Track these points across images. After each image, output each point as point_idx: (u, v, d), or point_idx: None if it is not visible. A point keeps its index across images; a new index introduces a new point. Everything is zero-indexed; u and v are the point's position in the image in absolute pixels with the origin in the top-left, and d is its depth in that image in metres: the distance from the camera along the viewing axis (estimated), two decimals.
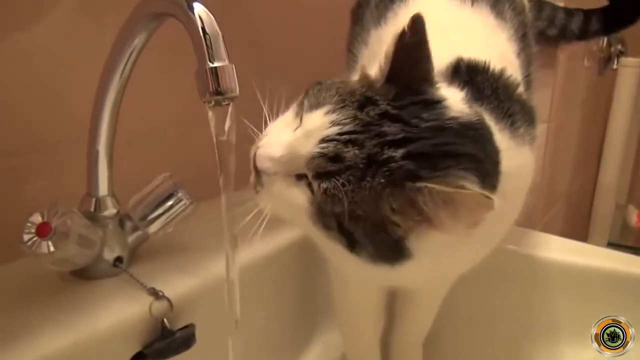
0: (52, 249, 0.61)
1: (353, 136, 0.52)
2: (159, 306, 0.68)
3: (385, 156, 0.51)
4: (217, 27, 0.56)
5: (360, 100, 0.55)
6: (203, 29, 0.55)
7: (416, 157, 0.51)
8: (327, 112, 0.55)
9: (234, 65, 0.56)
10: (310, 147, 0.54)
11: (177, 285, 0.72)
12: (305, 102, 0.58)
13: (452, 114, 0.54)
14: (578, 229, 2.07)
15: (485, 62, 0.64)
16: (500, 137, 0.58)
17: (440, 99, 0.55)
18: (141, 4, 0.62)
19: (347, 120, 0.53)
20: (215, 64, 0.55)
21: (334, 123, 0.53)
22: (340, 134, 0.53)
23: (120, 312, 0.66)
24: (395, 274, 0.58)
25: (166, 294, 0.68)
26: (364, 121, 0.53)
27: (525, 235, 0.95)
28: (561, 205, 1.70)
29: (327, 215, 0.53)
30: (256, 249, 0.83)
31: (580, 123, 1.74)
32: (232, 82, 0.56)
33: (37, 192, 0.77)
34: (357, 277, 0.76)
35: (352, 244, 0.54)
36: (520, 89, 0.69)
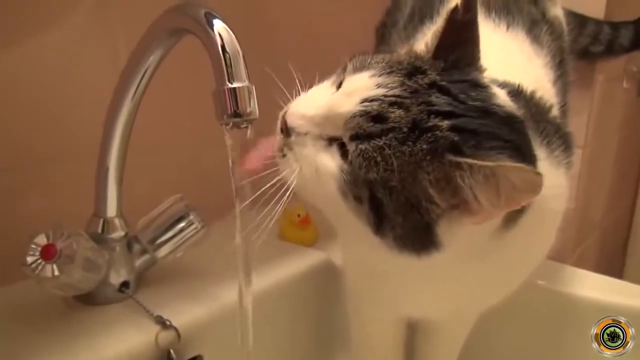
0: (56, 272, 0.62)
1: (399, 99, 0.52)
2: (166, 336, 0.68)
3: (430, 124, 0.51)
4: (237, 46, 0.56)
5: (409, 68, 0.55)
6: (223, 47, 0.56)
7: (462, 131, 0.50)
8: (373, 75, 0.54)
9: (254, 86, 0.56)
10: (351, 105, 0.53)
11: (186, 313, 0.72)
12: (349, 66, 0.57)
13: (498, 101, 0.54)
14: (613, 264, 2.03)
15: (518, 84, 0.64)
16: (537, 153, 0.58)
17: (487, 84, 0.56)
18: (159, 19, 0.63)
19: (394, 85, 0.53)
20: (235, 85, 0.55)
21: (379, 86, 0.53)
22: (385, 95, 0.52)
23: (125, 341, 0.66)
24: (417, 299, 0.57)
25: (174, 322, 0.69)
26: (411, 87, 0.53)
27: (556, 269, 0.94)
28: (595, 237, 1.68)
29: (359, 183, 0.52)
30: (270, 276, 0.84)
31: (616, 149, 1.72)
32: (251, 103, 0.56)
33: (38, 209, 0.78)
34: (376, 297, 0.75)
35: (379, 222, 0.52)
36: (554, 111, 0.69)
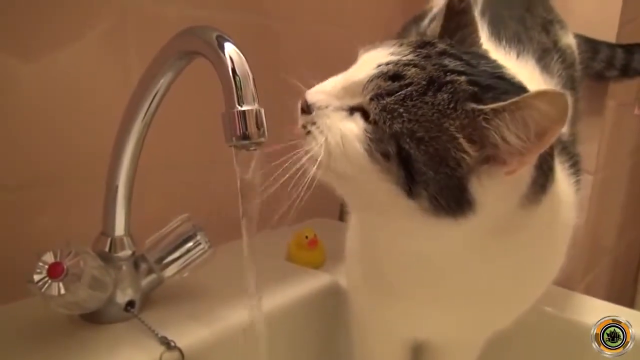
0: (62, 291, 0.62)
1: (413, 62, 0.54)
2: (170, 357, 0.68)
3: (448, 79, 0.52)
4: (248, 69, 0.57)
5: (419, 42, 0.57)
6: (233, 70, 0.57)
7: (479, 85, 0.52)
8: (384, 49, 0.57)
9: (263, 110, 0.57)
10: (367, 71, 0.55)
11: (190, 334, 0.72)
12: (361, 50, 0.59)
13: (509, 72, 0.56)
14: (625, 292, 2.02)
15: None
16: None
17: (495, 59, 0.59)
18: (171, 41, 0.64)
19: (406, 52, 0.55)
20: (244, 107, 0.56)
21: (393, 54, 0.55)
22: (400, 59, 0.54)
23: None
24: (425, 316, 0.59)
25: (178, 343, 0.69)
26: (423, 53, 0.55)
27: (565, 296, 0.93)
28: (606, 265, 1.67)
29: (384, 138, 0.52)
30: (276, 299, 0.84)
31: (629, 175, 1.72)
32: (260, 126, 0.57)
33: (47, 227, 0.79)
34: (382, 318, 0.75)
35: (411, 179, 0.52)
36: (563, 130, 0.69)
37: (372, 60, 0.56)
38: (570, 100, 0.47)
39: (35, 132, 0.78)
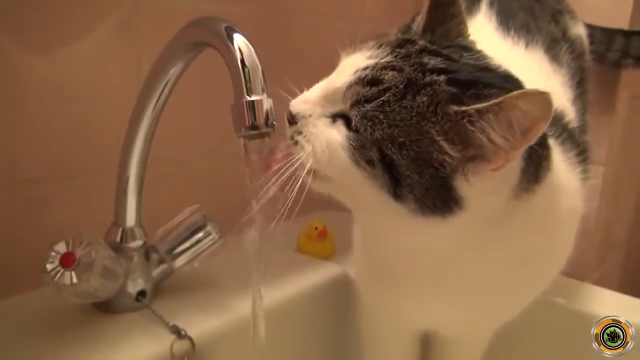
0: (75, 280, 0.63)
1: (391, 64, 0.54)
2: (181, 346, 0.69)
3: (427, 80, 0.52)
4: (256, 60, 0.58)
5: (398, 41, 0.57)
6: (242, 61, 0.57)
7: (459, 84, 0.52)
8: (363, 53, 0.57)
9: (271, 100, 0.57)
10: (345, 77, 0.55)
11: (201, 324, 0.73)
12: (342, 54, 0.59)
13: (494, 62, 0.56)
14: (638, 284, 2.01)
15: None
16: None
17: (479, 49, 0.58)
18: (180, 32, 0.65)
19: (384, 54, 0.55)
20: (253, 98, 0.57)
21: (370, 57, 0.55)
22: (377, 63, 0.54)
23: (140, 350, 0.67)
24: (434, 305, 0.59)
25: (189, 332, 0.69)
26: (402, 53, 0.55)
27: (576, 287, 0.93)
28: (619, 256, 1.66)
29: (367, 145, 0.52)
30: (285, 289, 0.85)
31: None
32: (269, 117, 0.58)
33: (61, 219, 0.80)
34: (391, 309, 0.75)
35: (396, 184, 0.52)
36: (568, 118, 0.70)
37: (350, 66, 0.56)
38: (552, 98, 0.47)
39: (50, 127, 0.79)
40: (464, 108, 0.50)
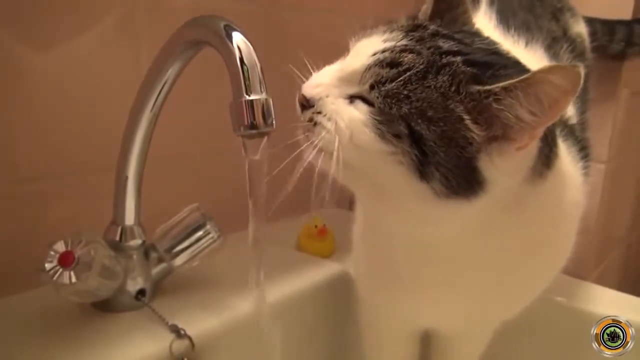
0: (73, 279, 0.63)
1: (408, 47, 0.54)
2: (180, 345, 0.69)
3: (445, 61, 0.52)
4: (255, 58, 0.57)
5: (410, 26, 0.57)
6: (241, 59, 0.57)
7: (476, 65, 0.52)
8: (377, 37, 0.57)
9: (270, 99, 0.57)
10: (363, 60, 0.55)
11: (200, 323, 0.73)
12: (352, 40, 0.59)
13: (503, 48, 0.57)
14: (638, 283, 2.01)
15: None
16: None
17: (488, 36, 0.59)
18: (179, 31, 0.65)
19: (400, 37, 0.55)
20: (252, 97, 0.56)
21: (386, 40, 0.55)
22: (394, 46, 0.54)
23: (140, 349, 0.67)
24: (434, 303, 0.60)
25: (188, 332, 0.69)
26: (416, 37, 0.55)
27: (576, 286, 0.93)
28: (619, 254, 1.65)
29: (394, 120, 0.52)
30: (285, 287, 0.84)
31: None
32: (268, 116, 0.57)
33: (60, 217, 0.80)
34: (391, 306, 0.75)
35: (424, 162, 0.51)
36: (568, 115, 0.71)
37: (366, 49, 0.55)
38: (582, 71, 0.47)
39: (48, 124, 0.78)
40: (487, 87, 0.50)
